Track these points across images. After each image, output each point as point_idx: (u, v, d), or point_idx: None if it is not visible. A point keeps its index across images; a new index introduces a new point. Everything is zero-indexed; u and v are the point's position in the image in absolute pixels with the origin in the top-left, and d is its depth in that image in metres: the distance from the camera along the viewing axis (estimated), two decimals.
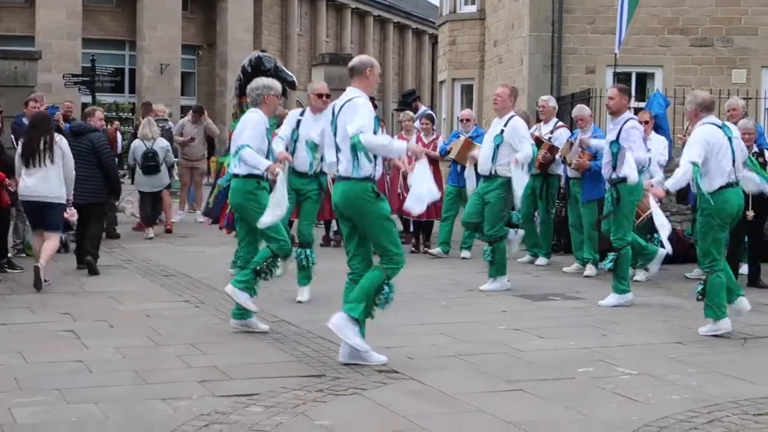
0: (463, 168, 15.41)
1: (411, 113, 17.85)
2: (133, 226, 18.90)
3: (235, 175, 10.06)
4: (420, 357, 8.81)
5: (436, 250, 16.05)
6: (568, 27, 22.24)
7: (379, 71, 8.85)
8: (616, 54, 18.38)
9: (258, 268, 9.85)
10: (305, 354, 8.93)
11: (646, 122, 14.34)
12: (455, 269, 14.64)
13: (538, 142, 14.83)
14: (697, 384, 7.97)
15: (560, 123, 15.90)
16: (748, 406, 7.32)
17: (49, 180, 12.55)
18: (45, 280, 12.40)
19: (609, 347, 9.34)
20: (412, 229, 17.39)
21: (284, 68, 13.83)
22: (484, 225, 12.75)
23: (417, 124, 17.44)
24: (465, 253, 15.88)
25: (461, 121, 16.60)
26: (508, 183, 12.55)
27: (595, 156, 13.92)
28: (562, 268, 14.51)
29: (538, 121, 16.14)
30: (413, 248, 16.77)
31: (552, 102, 16.09)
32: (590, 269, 14.03)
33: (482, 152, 12.90)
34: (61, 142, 12.79)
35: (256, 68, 13.67)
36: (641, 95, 21.61)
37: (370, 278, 8.49)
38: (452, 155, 15.81)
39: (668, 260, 14.26)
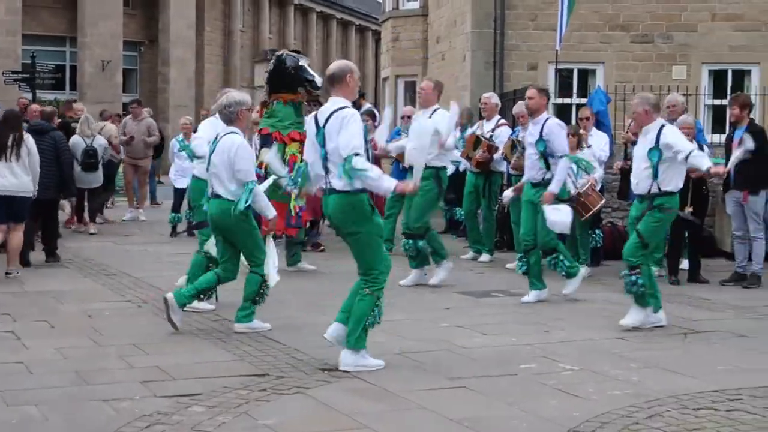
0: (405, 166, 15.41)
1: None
2: (64, 223, 18.69)
3: (218, 196, 9.71)
4: None
5: None
6: (510, 24, 22.37)
7: (358, 75, 8.58)
8: (557, 50, 18.49)
9: (255, 298, 9.84)
10: (248, 353, 8.90)
11: (587, 118, 14.48)
12: (398, 266, 14.62)
13: (477, 141, 14.91)
14: (638, 379, 8.04)
15: (502, 120, 15.94)
16: (687, 400, 7.39)
17: (15, 174, 13.07)
18: (8, 273, 13.08)
19: (551, 343, 9.39)
20: None
21: (307, 67, 13.57)
22: (409, 217, 12.80)
23: None
24: None
25: (402, 118, 16.61)
26: (437, 174, 12.59)
27: None
28: (505, 265, 14.56)
29: (481, 118, 16.16)
30: None
31: (494, 99, 16.14)
32: None
33: (410, 145, 12.87)
34: (28, 140, 13.24)
35: (279, 67, 13.56)
36: (583, 91, 21.78)
37: (362, 308, 8.33)
38: (392, 153, 15.76)
39: (609, 256, 14.42)
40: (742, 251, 13.23)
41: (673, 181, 10.17)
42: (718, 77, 22.55)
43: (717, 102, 21.86)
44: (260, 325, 9.83)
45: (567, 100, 22.11)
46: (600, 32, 22.29)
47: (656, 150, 10.08)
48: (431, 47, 26.67)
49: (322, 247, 16.17)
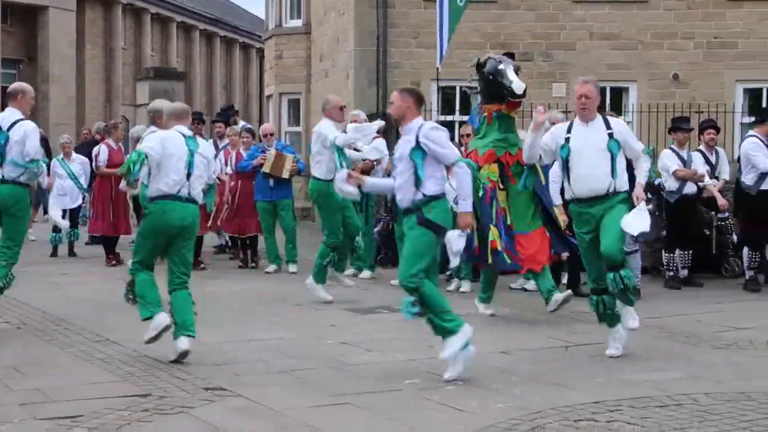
0: (277, 181, 15.44)
1: (236, 128, 17.81)
2: None
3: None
4: (248, 373, 8.77)
5: (271, 267, 15.95)
6: (392, 41, 22.52)
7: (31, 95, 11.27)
8: (438, 68, 18.65)
9: None
10: (130, 373, 8.79)
11: (468, 135, 14.60)
12: (283, 284, 14.62)
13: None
14: (520, 392, 8.13)
15: (375, 134, 16.05)
16: (569, 412, 7.49)
17: None
18: None
19: (435, 358, 9.38)
20: (239, 244, 17.37)
21: (508, 71, 11.52)
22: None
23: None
24: (292, 267, 15.86)
25: (264, 136, 16.56)
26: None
27: None
28: (390, 281, 14.61)
29: None
30: (241, 263, 16.75)
31: (363, 115, 16.23)
32: None
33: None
34: None
35: (479, 74, 11.93)
36: (465, 109, 21.99)
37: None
38: (266, 169, 15.68)
39: None
40: None
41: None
42: None
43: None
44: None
45: (449, 118, 22.31)
46: (481, 50, 22.44)
47: (615, 142, 9.37)
48: (315, 65, 26.72)
49: (203, 266, 16.06)
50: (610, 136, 9.32)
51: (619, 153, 9.32)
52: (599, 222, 9.29)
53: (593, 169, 9.26)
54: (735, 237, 15.05)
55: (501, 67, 11.47)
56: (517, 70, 11.62)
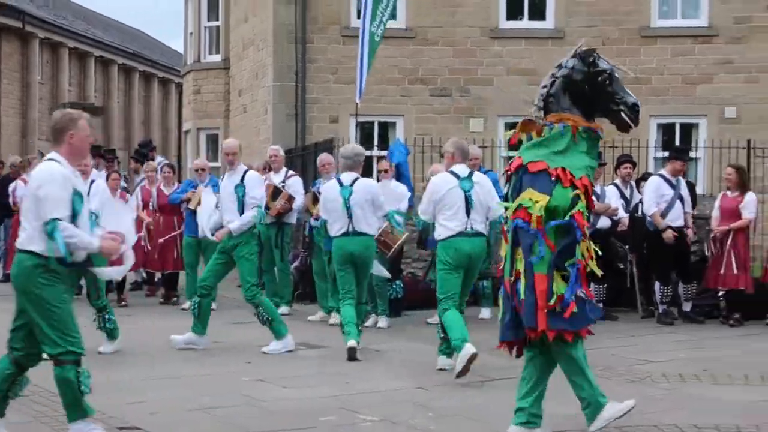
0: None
1: (154, 164, 17.69)
2: None
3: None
4: (162, 412, 8.66)
5: (188, 304, 15.78)
6: (311, 77, 22.53)
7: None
8: (357, 103, 18.70)
9: None
10: (42, 413, 8.65)
11: (386, 171, 14.65)
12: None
13: (276, 191, 14.93)
14: (437, 428, 8.13)
15: (291, 172, 16.05)
16: None
17: None
18: None
19: (352, 395, 9.41)
20: (156, 280, 17.25)
21: (623, 83, 7.97)
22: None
23: (158, 175, 17.30)
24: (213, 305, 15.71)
25: (196, 171, 16.46)
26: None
27: None
28: (307, 317, 14.57)
29: (269, 170, 16.10)
30: (162, 299, 16.62)
31: (282, 152, 16.24)
32: (335, 318, 14.08)
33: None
34: None
35: (582, 70, 7.93)
36: (385, 144, 22.06)
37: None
38: (192, 206, 15.51)
39: (410, 307, 14.58)
40: None
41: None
42: (513, 129, 23.11)
43: (513, 154, 22.36)
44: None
45: (368, 153, 22.33)
46: (400, 86, 22.64)
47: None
48: (233, 100, 26.65)
49: (124, 302, 15.94)
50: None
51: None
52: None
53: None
54: (635, 272, 15.20)
55: (618, 74, 7.96)
56: None
